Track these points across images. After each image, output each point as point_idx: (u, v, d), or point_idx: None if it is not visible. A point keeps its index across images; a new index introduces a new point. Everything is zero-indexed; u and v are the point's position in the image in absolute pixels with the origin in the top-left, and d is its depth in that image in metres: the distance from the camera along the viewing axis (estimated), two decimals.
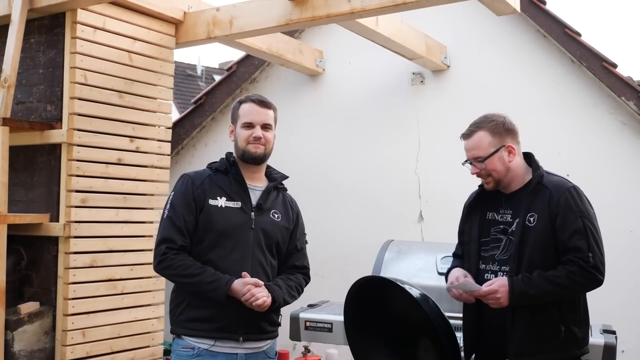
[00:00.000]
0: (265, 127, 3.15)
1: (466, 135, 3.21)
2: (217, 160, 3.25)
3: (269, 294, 2.99)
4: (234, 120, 3.19)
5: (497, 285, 2.96)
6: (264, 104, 3.18)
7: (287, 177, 3.31)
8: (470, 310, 3.22)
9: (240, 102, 3.20)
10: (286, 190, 3.33)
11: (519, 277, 2.96)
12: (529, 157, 3.23)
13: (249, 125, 3.13)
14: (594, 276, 2.91)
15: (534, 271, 2.96)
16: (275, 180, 3.25)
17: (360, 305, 3.38)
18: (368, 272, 3.90)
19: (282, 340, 3.52)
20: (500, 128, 3.14)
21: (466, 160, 3.23)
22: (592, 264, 2.90)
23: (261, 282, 2.99)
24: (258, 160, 3.15)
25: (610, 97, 5.35)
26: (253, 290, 2.94)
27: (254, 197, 3.14)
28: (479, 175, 3.17)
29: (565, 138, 5.51)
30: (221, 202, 3.06)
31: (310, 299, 4.41)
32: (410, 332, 3.39)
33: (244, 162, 3.16)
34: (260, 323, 3.07)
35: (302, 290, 3.25)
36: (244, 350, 3.05)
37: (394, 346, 3.43)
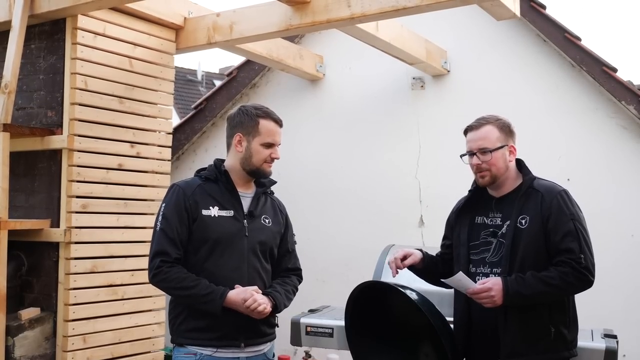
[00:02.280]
0: (278, 146, 3.18)
1: (473, 127, 3.21)
2: (205, 167, 3.23)
3: (269, 301, 3.01)
4: (249, 132, 3.10)
5: (491, 283, 2.98)
6: (281, 123, 3.18)
7: (275, 182, 3.31)
8: (461, 312, 3.23)
9: (259, 117, 3.12)
10: (273, 193, 3.34)
11: (512, 277, 2.99)
12: (518, 163, 3.26)
13: (271, 145, 3.12)
14: (586, 277, 2.96)
15: (527, 272, 2.99)
16: (264, 185, 3.25)
17: (361, 310, 3.38)
18: (369, 277, 3.89)
19: (283, 346, 3.53)
20: (507, 128, 3.20)
21: (467, 152, 3.22)
22: (584, 265, 2.95)
23: (259, 290, 3.01)
24: (268, 177, 3.19)
25: (611, 102, 5.35)
26: (256, 295, 2.95)
27: (245, 204, 3.14)
28: (478, 168, 3.15)
29: (566, 142, 5.51)
30: (214, 211, 3.05)
31: (311, 304, 4.41)
32: (411, 337, 3.39)
33: (249, 175, 3.15)
34: (260, 327, 3.09)
35: (297, 291, 3.28)
36: (245, 354, 3.06)
37: (395, 351, 3.42)
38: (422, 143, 6.03)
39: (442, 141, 5.91)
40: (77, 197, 4.58)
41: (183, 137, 7.03)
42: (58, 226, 4.56)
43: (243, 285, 2.99)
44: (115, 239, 4.80)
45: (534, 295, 2.95)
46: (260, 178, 3.19)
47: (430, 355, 3.36)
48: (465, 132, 3.25)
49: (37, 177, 4.72)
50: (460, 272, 3.07)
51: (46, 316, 4.54)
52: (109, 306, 4.74)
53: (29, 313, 4.48)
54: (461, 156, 3.27)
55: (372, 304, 3.36)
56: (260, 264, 3.12)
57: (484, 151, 3.13)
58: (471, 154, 3.19)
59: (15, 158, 4.55)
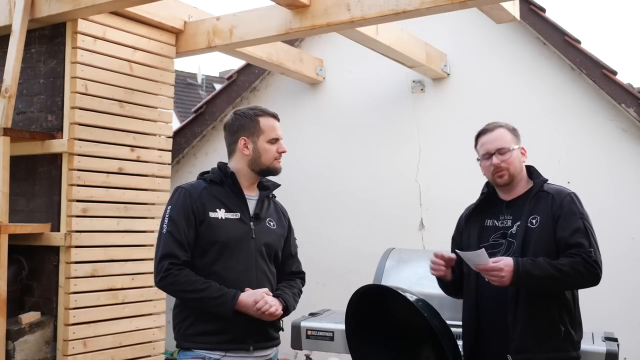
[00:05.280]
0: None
1: (487, 130, 3.27)
2: (207, 170, 3.22)
3: (280, 303, 3.01)
4: (252, 133, 3.11)
5: (503, 264, 2.98)
6: (278, 117, 3.20)
7: (279, 185, 3.31)
8: (469, 312, 3.24)
9: (257, 116, 3.14)
10: (275, 197, 3.34)
11: (524, 258, 3.01)
12: (528, 169, 3.31)
13: (276, 141, 3.13)
14: (595, 270, 2.99)
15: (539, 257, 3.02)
16: (268, 189, 3.25)
17: (362, 313, 3.38)
18: (369, 280, 3.89)
19: (284, 349, 3.52)
20: (516, 132, 3.29)
21: (483, 154, 3.24)
22: (594, 258, 2.99)
23: (270, 292, 3.01)
24: (279, 173, 3.18)
25: (610, 104, 5.36)
26: (267, 297, 2.95)
27: (250, 206, 3.14)
28: (498, 167, 3.18)
29: (566, 145, 5.51)
30: (221, 214, 3.04)
31: (311, 308, 4.41)
32: (412, 341, 3.39)
33: (259, 175, 3.16)
34: (268, 330, 3.08)
35: (301, 294, 3.28)
36: (253, 359, 3.05)
37: (395, 355, 3.42)
38: (422, 146, 6.03)
39: (442, 144, 5.92)
40: (78, 201, 4.57)
41: (183, 141, 7.04)
42: (58, 230, 4.56)
43: (252, 288, 2.98)
44: (116, 243, 4.80)
45: (543, 277, 2.95)
46: (272, 175, 3.18)
47: (431, 359, 3.36)
48: (478, 136, 3.30)
49: (38, 181, 4.72)
50: (483, 249, 3.02)
51: (46, 320, 4.53)
52: (109, 310, 4.73)
53: (29, 317, 4.48)
54: (478, 159, 3.30)
55: (372, 308, 3.36)
56: (267, 266, 3.12)
57: (502, 151, 3.19)
58: (489, 155, 3.22)
59: (16, 162, 4.55)
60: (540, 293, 3.05)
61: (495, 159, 3.19)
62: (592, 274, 2.99)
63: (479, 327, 3.19)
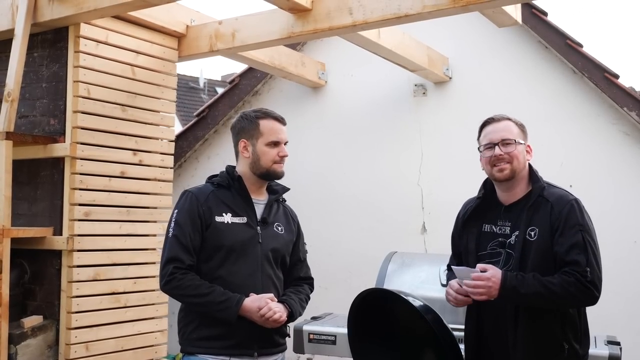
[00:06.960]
0: (285, 144, 3.13)
1: (493, 120, 3.14)
2: (217, 173, 3.20)
3: (285, 309, 2.99)
4: (252, 136, 3.08)
5: (490, 274, 2.88)
6: (284, 121, 3.14)
7: (288, 189, 3.27)
8: (471, 322, 3.18)
9: (258, 118, 3.10)
10: (285, 201, 3.31)
11: (513, 273, 2.90)
12: (529, 169, 3.16)
13: (276, 144, 3.08)
14: (590, 292, 2.84)
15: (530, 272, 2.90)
16: (277, 192, 3.21)
17: (364, 317, 3.37)
18: (371, 284, 3.89)
19: (286, 353, 3.52)
20: (524, 128, 3.17)
21: (486, 145, 3.10)
22: (589, 279, 2.82)
23: (274, 298, 2.99)
24: (280, 178, 3.14)
25: (613, 108, 5.35)
26: (271, 304, 2.93)
27: (258, 211, 3.11)
28: (499, 159, 3.03)
29: (568, 149, 5.51)
30: (227, 218, 3.02)
31: (313, 311, 4.40)
32: (414, 345, 3.39)
33: (262, 179, 3.12)
34: (273, 336, 3.06)
35: (309, 300, 3.25)
36: None
37: (397, 358, 3.42)
38: (424, 150, 6.03)
39: (444, 148, 5.92)
40: (80, 205, 4.58)
41: (185, 145, 7.05)
42: (60, 234, 4.56)
43: (257, 293, 2.96)
44: (118, 247, 4.80)
45: (530, 295, 2.83)
46: (273, 179, 3.15)
47: None
48: (484, 125, 3.17)
49: (40, 185, 4.72)
50: (478, 267, 2.95)
51: (49, 324, 4.53)
52: (111, 314, 4.74)
53: (31, 321, 4.48)
54: (479, 148, 3.16)
55: (374, 311, 3.36)
56: (273, 271, 3.09)
57: (507, 142, 3.05)
58: (492, 145, 3.07)
59: (18, 166, 4.56)
60: (541, 309, 2.92)
61: (497, 150, 3.03)
62: (585, 295, 2.83)
63: (481, 342, 3.11)
